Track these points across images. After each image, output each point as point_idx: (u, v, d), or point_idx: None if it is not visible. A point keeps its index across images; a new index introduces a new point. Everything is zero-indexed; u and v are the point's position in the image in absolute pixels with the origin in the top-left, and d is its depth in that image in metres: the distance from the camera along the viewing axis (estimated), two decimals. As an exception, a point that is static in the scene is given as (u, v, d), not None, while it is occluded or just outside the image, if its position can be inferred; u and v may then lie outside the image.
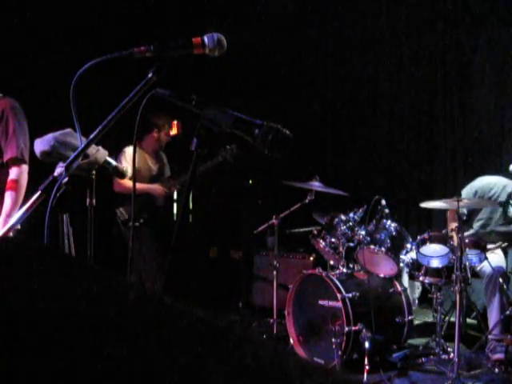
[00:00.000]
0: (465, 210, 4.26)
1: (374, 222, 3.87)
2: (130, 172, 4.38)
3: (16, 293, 0.56)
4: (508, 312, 3.60)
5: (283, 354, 0.57)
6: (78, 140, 1.54)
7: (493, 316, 3.74)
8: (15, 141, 2.79)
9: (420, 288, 4.30)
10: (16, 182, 2.75)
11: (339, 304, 3.50)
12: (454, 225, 4.16)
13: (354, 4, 5.65)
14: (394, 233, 3.80)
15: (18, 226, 2.73)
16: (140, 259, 4.24)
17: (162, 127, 4.51)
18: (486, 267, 3.80)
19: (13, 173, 2.79)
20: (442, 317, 3.96)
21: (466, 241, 3.59)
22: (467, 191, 4.25)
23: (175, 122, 5.59)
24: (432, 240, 3.73)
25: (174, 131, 5.97)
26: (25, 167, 2.82)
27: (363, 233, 3.85)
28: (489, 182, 4.23)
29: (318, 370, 0.55)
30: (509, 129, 4.80)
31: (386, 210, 3.86)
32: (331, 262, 4.23)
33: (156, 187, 4.45)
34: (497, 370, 3.37)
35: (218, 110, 1.32)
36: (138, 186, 4.38)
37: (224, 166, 4.65)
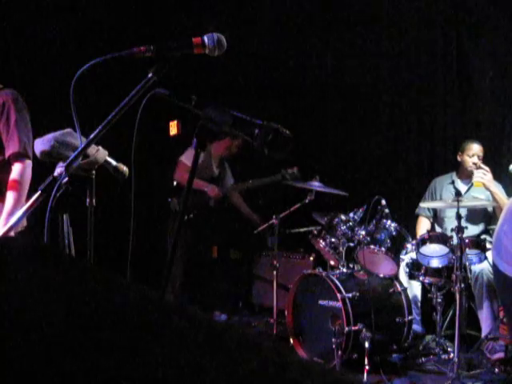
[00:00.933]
0: (429, 212, 4.51)
1: (374, 222, 3.87)
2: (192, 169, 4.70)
3: (16, 293, 0.56)
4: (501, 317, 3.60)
5: (283, 354, 0.57)
6: (78, 140, 1.54)
7: (483, 317, 3.74)
8: (17, 135, 2.61)
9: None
10: (18, 181, 2.59)
11: (339, 304, 3.50)
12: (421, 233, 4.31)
13: (353, 3, 5.65)
14: (394, 233, 3.80)
15: (23, 226, 2.68)
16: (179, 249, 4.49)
17: (237, 136, 4.63)
18: (473, 268, 3.80)
19: (15, 170, 2.61)
20: (442, 317, 3.96)
21: (466, 241, 3.59)
22: (426, 194, 4.54)
23: (175, 122, 5.61)
24: (432, 240, 3.73)
25: (173, 131, 5.99)
26: (28, 163, 2.64)
27: (363, 233, 3.84)
28: (435, 180, 4.54)
29: (318, 369, 0.55)
30: (509, 130, 4.80)
31: (386, 210, 3.86)
32: (331, 262, 4.23)
33: (212, 187, 4.67)
34: (497, 369, 3.37)
35: (217, 109, 1.32)
36: (197, 181, 4.59)
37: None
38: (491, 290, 3.72)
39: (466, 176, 4.29)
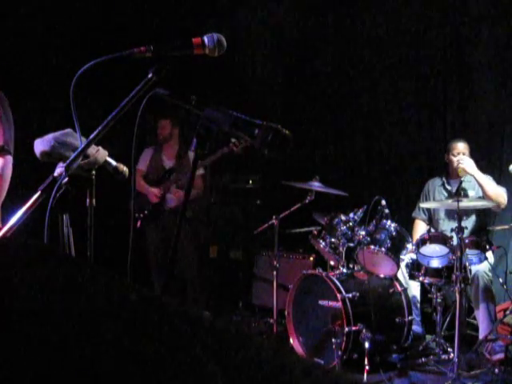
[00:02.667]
0: (424, 215, 4.50)
1: (374, 222, 3.87)
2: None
3: (16, 293, 0.56)
4: (509, 312, 3.59)
5: (283, 354, 0.57)
6: (78, 140, 1.54)
7: (480, 319, 3.74)
8: (3, 130, 2.66)
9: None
10: (0, 175, 2.64)
11: (339, 304, 3.50)
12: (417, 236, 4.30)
13: (354, 3, 5.65)
14: (393, 233, 3.80)
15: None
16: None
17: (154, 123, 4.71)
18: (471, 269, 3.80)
19: None
20: (442, 317, 3.96)
21: (466, 241, 3.59)
22: (421, 196, 4.54)
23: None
24: (432, 240, 3.73)
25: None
26: (9, 158, 2.69)
27: (363, 233, 3.84)
28: (428, 182, 4.54)
29: (318, 369, 0.55)
30: (509, 129, 4.80)
31: (386, 210, 3.86)
32: (331, 262, 4.23)
33: (151, 192, 4.60)
34: (497, 370, 3.37)
35: (217, 110, 1.32)
36: (142, 183, 4.63)
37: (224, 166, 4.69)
38: (487, 291, 3.72)
39: (456, 176, 4.28)
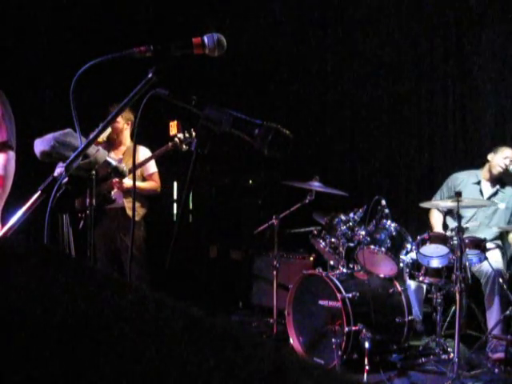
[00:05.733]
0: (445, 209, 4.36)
1: (374, 222, 3.87)
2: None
3: (15, 293, 0.56)
4: (508, 312, 3.60)
5: (283, 354, 0.57)
6: (78, 140, 1.54)
7: (493, 316, 3.75)
8: (5, 126, 2.70)
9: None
10: (4, 170, 2.67)
11: (339, 304, 3.50)
12: (438, 225, 4.27)
13: (354, 4, 5.65)
14: (394, 233, 3.80)
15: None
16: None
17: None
18: (484, 267, 3.80)
19: (0, 159, 2.69)
20: (442, 317, 3.96)
21: (466, 241, 3.59)
22: (444, 189, 4.39)
23: (175, 122, 5.60)
24: (432, 240, 3.73)
25: (173, 131, 5.97)
26: (12, 154, 2.73)
27: (363, 233, 3.85)
28: (455, 175, 4.38)
29: (318, 369, 0.55)
30: (509, 129, 4.80)
31: (386, 210, 3.86)
32: (331, 262, 4.23)
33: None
34: (497, 370, 3.37)
35: (217, 109, 1.32)
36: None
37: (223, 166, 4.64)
38: (502, 289, 3.73)
39: (493, 179, 4.21)
